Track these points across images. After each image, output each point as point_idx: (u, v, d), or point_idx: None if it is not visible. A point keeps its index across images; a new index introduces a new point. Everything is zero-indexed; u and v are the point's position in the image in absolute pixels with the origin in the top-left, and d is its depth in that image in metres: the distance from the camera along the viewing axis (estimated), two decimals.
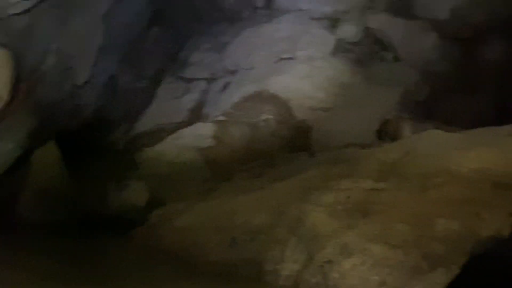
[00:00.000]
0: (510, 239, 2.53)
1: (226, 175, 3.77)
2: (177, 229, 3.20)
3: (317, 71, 4.31)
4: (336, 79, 4.30)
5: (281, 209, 2.92)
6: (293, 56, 4.39)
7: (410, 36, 4.45)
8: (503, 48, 4.34)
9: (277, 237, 2.79)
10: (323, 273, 2.57)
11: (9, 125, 3.69)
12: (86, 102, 4.37)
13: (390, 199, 2.80)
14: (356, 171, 3.09)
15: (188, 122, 4.24)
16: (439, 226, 2.59)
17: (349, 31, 4.48)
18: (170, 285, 2.74)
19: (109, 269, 2.99)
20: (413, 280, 2.46)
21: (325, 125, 4.11)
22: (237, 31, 4.62)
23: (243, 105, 4.21)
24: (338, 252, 2.59)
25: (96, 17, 4.09)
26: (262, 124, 4.13)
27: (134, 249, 3.22)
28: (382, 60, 4.43)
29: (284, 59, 4.39)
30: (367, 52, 4.42)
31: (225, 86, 4.40)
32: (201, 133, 4.12)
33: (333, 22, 4.49)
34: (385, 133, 4.00)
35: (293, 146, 4.03)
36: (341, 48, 4.40)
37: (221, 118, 4.17)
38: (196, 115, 4.29)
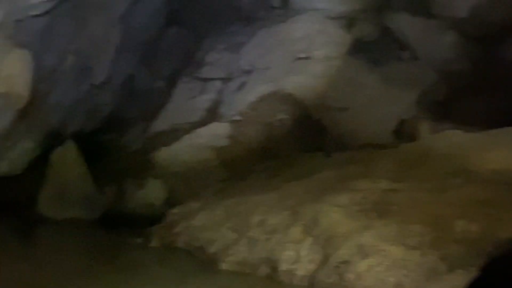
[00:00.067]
0: None
1: (242, 174, 3.77)
2: (194, 227, 3.22)
3: (333, 70, 4.29)
4: (352, 79, 4.28)
5: (297, 209, 2.92)
6: (309, 56, 4.38)
7: (428, 35, 4.40)
8: None
9: (292, 237, 2.79)
10: (338, 273, 2.56)
11: (29, 125, 3.76)
12: (104, 102, 4.42)
13: (407, 199, 2.78)
14: (372, 171, 3.07)
15: (204, 122, 4.26)
16: (457, 228, 2.56)
17: (365, 30, 4.45)
18: (192, 279, 2.76)
19: (128, 265, 3.02)
20: (430, 281, 2.43)
21: (341, 125, 4.10)
22: (253, 31, 4.62)
23: (258, 104, 4.21)
24: (354, 253, 2.58)
25: (114, 18, 4.13)
26: (278, 124, 4.13)
27: (152, 246, 3.26)
28: (399, 59, 4.40)
29: (300, 58, 4.38)
30: (384, 52, 4.39)
31: (241, 86, 4.41)
32: (217, 133, 4.13)
33: (349, 21, 4.46)
34: (402, 133, 3.97)
35: (309, 146, 4.02)
36: (357, 48, 4.38)
37: (237, 117, 4.18)
38: (212, 114, 4.30)
